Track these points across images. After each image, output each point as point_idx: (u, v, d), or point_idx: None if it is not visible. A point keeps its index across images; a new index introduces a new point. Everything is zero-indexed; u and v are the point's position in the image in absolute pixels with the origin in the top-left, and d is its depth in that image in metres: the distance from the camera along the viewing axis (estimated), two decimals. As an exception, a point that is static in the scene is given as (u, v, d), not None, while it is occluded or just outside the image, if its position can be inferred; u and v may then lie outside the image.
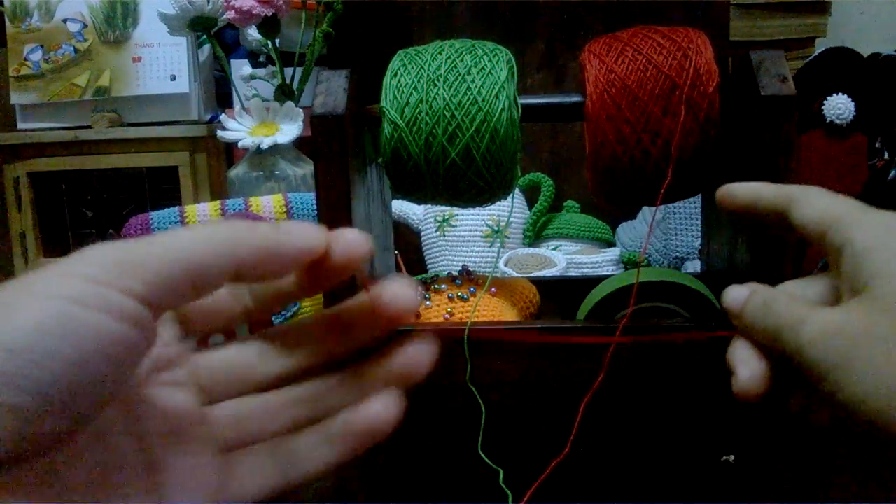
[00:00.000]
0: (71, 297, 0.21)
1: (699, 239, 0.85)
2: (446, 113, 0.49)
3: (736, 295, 0.33)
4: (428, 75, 0.50)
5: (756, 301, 0.32)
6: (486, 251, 0.89)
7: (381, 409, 0.28)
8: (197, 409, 0.28)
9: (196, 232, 0.24)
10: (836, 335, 0.27)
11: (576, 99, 0.51)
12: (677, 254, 0.88)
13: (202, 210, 0.77)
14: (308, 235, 0.26)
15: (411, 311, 0.28)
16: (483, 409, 0.50)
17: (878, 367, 0.26)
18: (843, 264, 0.29)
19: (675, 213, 0.88)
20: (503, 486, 0.50)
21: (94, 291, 0.21)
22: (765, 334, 0.31)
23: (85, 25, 1.03)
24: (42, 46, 1.03)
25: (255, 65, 1.01)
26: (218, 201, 0.79)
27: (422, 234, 0.93)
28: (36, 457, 0.21)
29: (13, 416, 0.19)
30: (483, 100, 0.49)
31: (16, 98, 1.04)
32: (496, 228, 0.89)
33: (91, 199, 1.01)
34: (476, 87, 0.50)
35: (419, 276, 0.65)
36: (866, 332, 0.26)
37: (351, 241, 0.27)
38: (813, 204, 0.32)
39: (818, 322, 0.28)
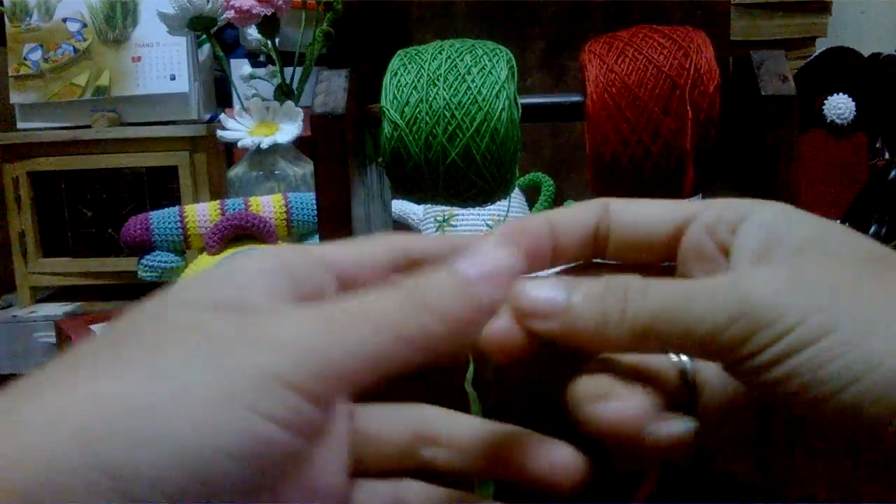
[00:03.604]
0: (250, 404, 0.18)
1: (699, 239, 0.85)
2: (446, 113, 0.49)
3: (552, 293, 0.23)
4: (428, 75, 0.50)
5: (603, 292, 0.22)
6: (485, 251, 0.88)
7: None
8: (343, 487, 0.23)
9: (391, 308, 0.20)
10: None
11: (576, 99, 0.51)
12: (677, 254, 0.88)
13: (202, 210, 0.77)
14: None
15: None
16: (483, 410, 0.50)
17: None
18: (741, 235, 0.23)
19: (675, 213, 0.88)
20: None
21: (277, 397, 0.18)
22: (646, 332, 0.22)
23: (84, 25, 1.03)
24: (41, 46, 1.03)
25: (254, 64, 1.01)
26: (217, 201, 0.79)
27: (422, 234, 0.93)
28: None
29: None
30: (483, 100, 0.49)
31: (15, 98, 1.04)
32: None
33: (91, 198, 1.01)
34: (476, 86, 0.49)
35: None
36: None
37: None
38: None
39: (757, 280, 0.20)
